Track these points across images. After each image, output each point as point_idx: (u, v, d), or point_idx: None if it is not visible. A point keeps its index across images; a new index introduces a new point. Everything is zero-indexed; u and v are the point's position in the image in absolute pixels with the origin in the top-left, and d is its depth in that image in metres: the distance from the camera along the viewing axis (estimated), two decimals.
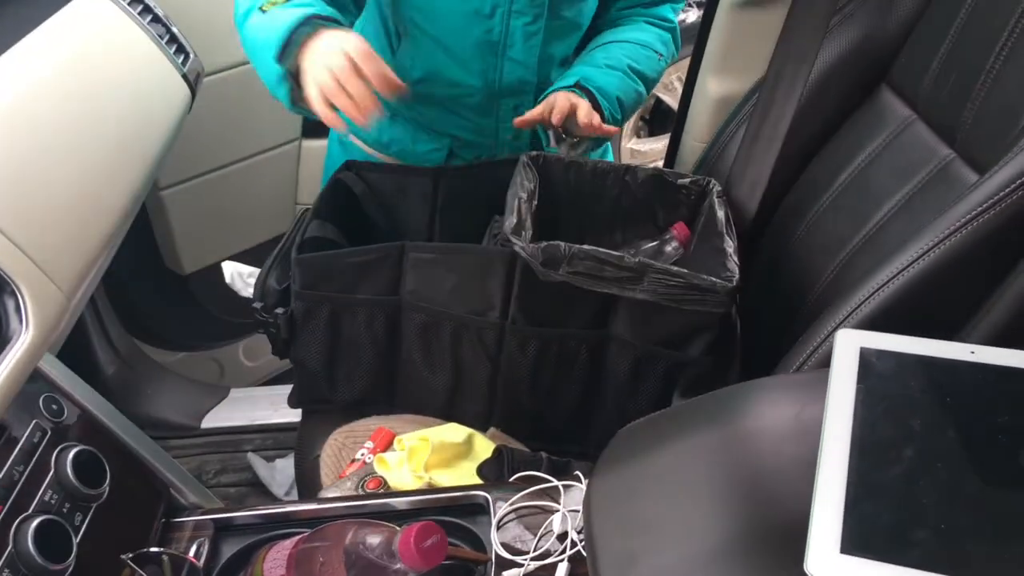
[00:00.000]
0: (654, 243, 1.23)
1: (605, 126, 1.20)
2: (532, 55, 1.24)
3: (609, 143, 1.52)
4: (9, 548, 0.72)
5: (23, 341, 0.80)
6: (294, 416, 1.73)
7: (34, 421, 0.82)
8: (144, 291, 1.79)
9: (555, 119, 1.18)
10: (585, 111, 1.18)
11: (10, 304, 0.82)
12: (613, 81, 1.26)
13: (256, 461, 1.67)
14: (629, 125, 2.74)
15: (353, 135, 1.39)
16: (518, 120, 1.22)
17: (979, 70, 1.03)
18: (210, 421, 1.78)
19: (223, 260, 1.82)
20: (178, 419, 1.75)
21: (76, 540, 0.77)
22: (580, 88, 1.23)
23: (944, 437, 0.68)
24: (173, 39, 1.35)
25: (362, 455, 1.07)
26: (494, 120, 1.31)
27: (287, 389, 1.69)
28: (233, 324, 1.95)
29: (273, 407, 1.81)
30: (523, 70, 1.25)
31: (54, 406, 0.85)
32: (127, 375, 1.72)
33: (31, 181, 0.91)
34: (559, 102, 1.18)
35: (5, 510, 0.74)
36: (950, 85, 1.08)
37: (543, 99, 1.23)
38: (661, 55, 1.36)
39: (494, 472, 1.00)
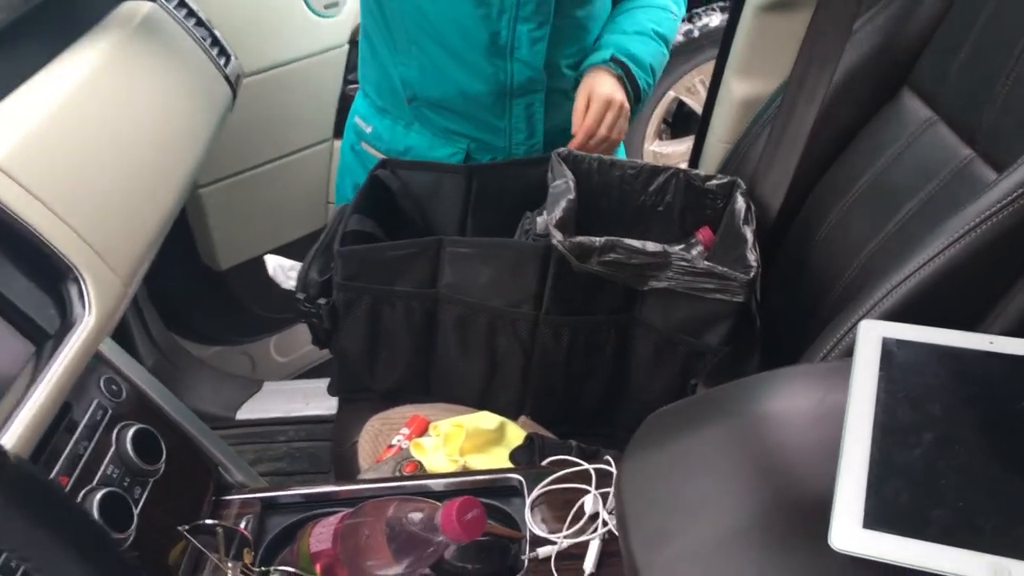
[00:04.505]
0: (679, 247, 1.26)
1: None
2: (538, 58, 1.29)
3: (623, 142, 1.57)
4: None
5: (86, 324, 0.85)
6: (325, 409, 1.79)
7: (95, 400, 0.87)
8: (181, 286, 1.85)
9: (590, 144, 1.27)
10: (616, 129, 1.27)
11: (73, 290, 0.87)
12: (644, 48, 1.33)
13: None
14: (651, 128, 2.77)
15: (365, 143, 1.45)
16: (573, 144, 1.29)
17: (999, 71, 1.05)
18: (245, 413, 1.83)
19: (257, 256, 1.89)
20: (214, 410, 1.80)
21: (136, 511, 0.82)
22: (615, 62, 1.29)
23: (963, 422, 0.71)
24: (216, 42, 1.40)
25: (398, 441, 1.12)
26: (507, 120, 1.35)
27: (319, 383, 1.74)
28: (266, 319, 2.01)
29: (305, 400, 1.86)
30: (531, 71, 1.30)
31: (113, 387, 0.89)
32: (165, 367, 1.77)
33: (89, 175, 0.96)
34: (601, 129, 1.27)
35: (72, 482, 0.79)
36: (971, 87, 1.11)
37: (583, 73, 1.31)
38: (676, 15, 1.43)
39: (525, 458, 1.05)
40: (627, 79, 1.30)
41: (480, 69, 1.28)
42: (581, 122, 1.28)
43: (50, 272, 0.86)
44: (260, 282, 1.89)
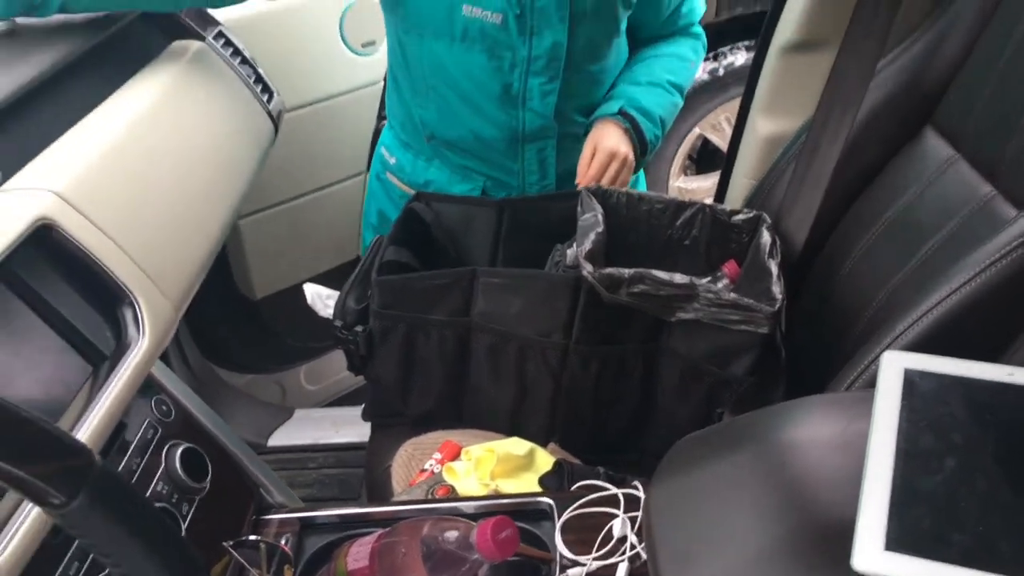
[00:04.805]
0: (706, 280, 1.29)
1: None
2: (549, 108, 1.34)
3: (643, 175, 1.61)
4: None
5: (140, 346, 0.89)
6: (355, 436, 1.83)
7: (147, 420, 0.91)
8: (216, 314, 1.90)
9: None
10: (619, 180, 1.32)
11: (128, 314, 0.92)
12: (655, 99, 1.37)
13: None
14: (677, 164, 2.81)
15: (390, 173, 1.50)
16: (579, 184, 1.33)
17: (1020, 111, 1.08)
18: (276, 440, 1.88)
19: (291, 286, 1.94)
20: (247, 437, 1.83)
21: (184, 527, 0.85)
22: (623, 115, 1.33)
23: (983, 450, 0.73)
24: (259, 79, 1.47)
25: (430, 465, 1.15)
26: (520, 163, 1.40)
27: (349, 411, 1.78)
28: (297, 348, 2.06)
29: (335, 428, 1.90)
30: (542, 119, 1.35)
31: (163, 407, 0.94)
32: (200, 394, 1.81)
33: (144, 205, 1.02)
34: (604, 180, 1.31)
35: None
36: (992, 126, 1.14)
37: (591, 125, 1.35)
38: (694, 62, 1.47)
39: (555, 484, 1.08)
40: (634, 132, 1.34)
41: (493, 116, 1.34)
42: (586, 171, 1.32)
43: (107, 296, 0.91)
44: (293, 311, 1.95)
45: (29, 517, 0.67)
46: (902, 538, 0.66)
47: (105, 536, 0.47)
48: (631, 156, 1.34)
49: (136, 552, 0.48)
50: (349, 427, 1.85)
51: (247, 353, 2.00)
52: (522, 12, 1.23)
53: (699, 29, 1.50)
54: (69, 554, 0.73)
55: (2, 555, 0.64)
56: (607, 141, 1.32)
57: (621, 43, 1.40)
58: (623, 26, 1.37)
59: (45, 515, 0.62)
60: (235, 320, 1.94)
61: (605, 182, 1.32)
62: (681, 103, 1.45)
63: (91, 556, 0.72)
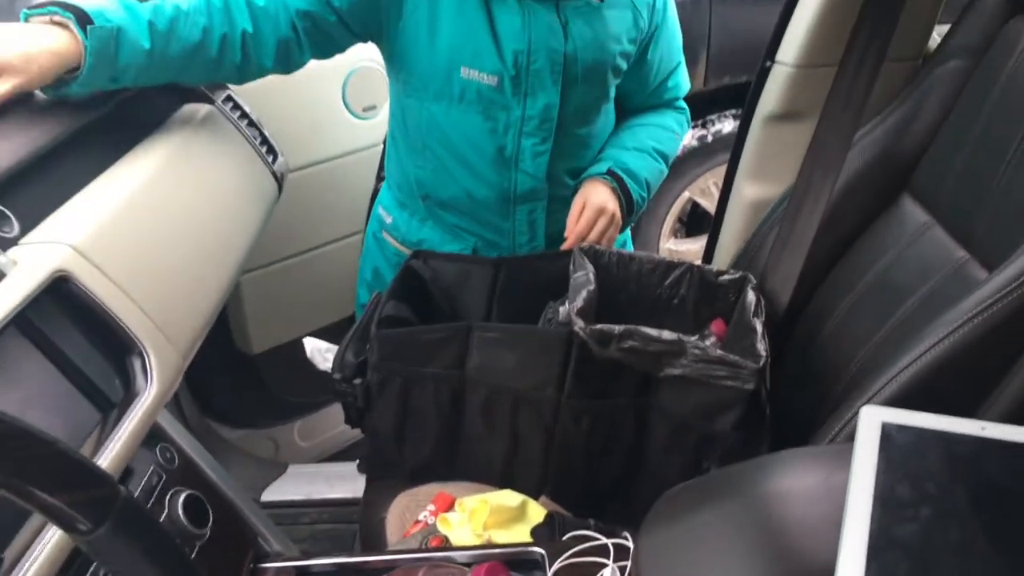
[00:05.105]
0: (694, 338, 1.33)
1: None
2: (541, 170, 1.40)
3: (630, 236, 1.67)
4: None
5: (148, 395, 0.93)
6: (349, 492, 1.84)
7: (152, 467, 0.94)
8: (213, 368, 1.91)
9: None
10: (606, 237, 1.39)
11: (137, 363, 0.95)
12: (641, 164, 1.44)
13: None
14: (667, 227, 2.88)
15: (386, 232, 1.56)
16: (565, 247, 1.39)
17: (991, 179, 1.15)
18: (270, 495, 1.89)
19: (287, 342, 1.97)
20: None
21: None
22: (611, 175, 1.40)
23: (956, 500, 0.77)
24: (265, 141, 1.52)
25: (424, 516, 1.17)
26: (511, 223, 1.46)
27: (342, 466, 1.80)
28: (292, 404, 2.08)
29: (329, 483, 1.91)
30: (534, 181, 1.40)
31: (167, 454, 0.97)
32: None
33: (154, 258, 1.06)
34: (591, 235, 1.38)
35: None
36: (965, 193, 1.20)
37: (580, 185, 1.41)
38: (678, 134, 1.54)
39: (546, 535, 1.10)
40: (621, 191, 1.41)
41: (486, 176, 1.40)
42: (574, 227, 1.38)
43: (117, 345, 0.95)
44: (289, 367, 1.98)
45: (49, 544, 0.70)
46: None
47: (127, 562, 0.50)
48: (618, 214, 1.40)
49: None
50: (343, 482, 1.87)
51: (242, 408, 2.02)
52: (517, 74, 1.30)
53: (683, 104, 1.58)
54: None
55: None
56: (595, 198, 1.38)
57: (609, 109, 1.47)
58: (612, 93, 1.44)
59: (62, 545, 0.66)
60: (231, 375, 1.96)
61: (592, 237, 1.37)
62: (665, 171, 1.52)
63: None
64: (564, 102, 1.34)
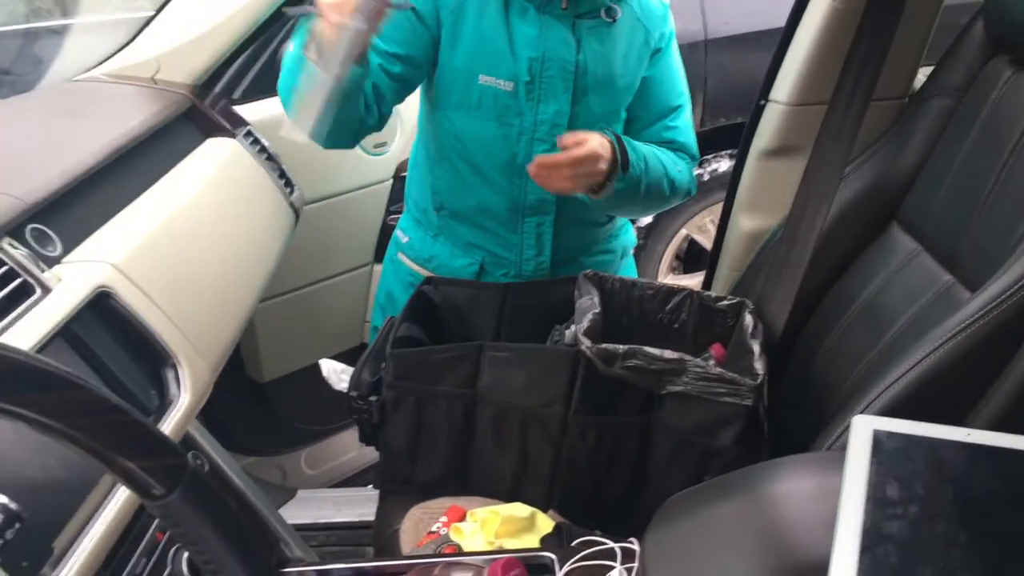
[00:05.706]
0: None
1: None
2: None
3: (633, 266, 1.72)
4: (168, 569, 0.87)
5: (182, 404, 0.98)
6: (356, 516, 1.88)
7: None
8: (223, 396, 1.96)
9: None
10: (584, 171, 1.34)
11: (170, 375, 1.01)
12: (644, 148, 1.44)
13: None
14: (665, 263, 2.95)
15: (401, 253, 1.63)
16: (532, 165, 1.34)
17: (974, 208, 1.22)
18: None
19: (297, 370, 2.02)
20: None
21: None
22: (614, 135, 1.38)
23: (942, 499, 0.83)
24: (283, 174, 1.60)
25: (437, 527, 1.22)
26: (519, 236, 1.52)
27: (350, 491, 1.84)
28: (301, 431, 2.12)
29: (337, 507, 1.95)
30: (543, 191, 1.45)
31: (198, 461, 1.02)
32: None
33: (186, 277, 1.12)
34: (562, 163, 1.32)
35: (164, 539, 0.90)
36: (950, 222, 1.27)
37: (589, 197, 1.40)
38: (682, 169, 1.52)
39: (555, 544, 1.15)
40: (618, 146, 1.37)
41: (499, 185, 1.47)
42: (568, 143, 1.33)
43: (152, 357, 1.01)
44: (299, 394, 2.02)
45: (94, 539, 0.75)
46: (873, 573, 0.75)
47: (195, 525, 0.55)
48: (604, 166, 1.34)
49: (218, 541, 0.56)
50: (351, 507, 1.91)
51: (251, 435, 2.06)
52: (532, 79, 1.38)
53: (689, 155, 1.56)
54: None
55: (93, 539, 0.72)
56: (592, 140, 1.33)
57: (619, 131, 1.51)
58: (623, 116, 1.51)
59: (105, 538, 0.71)
60: (241, 402, 2.01)
61: (565, 167, 1.32)
62: (664, 183, 1.48)
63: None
64: (574, 113, 1.42)
